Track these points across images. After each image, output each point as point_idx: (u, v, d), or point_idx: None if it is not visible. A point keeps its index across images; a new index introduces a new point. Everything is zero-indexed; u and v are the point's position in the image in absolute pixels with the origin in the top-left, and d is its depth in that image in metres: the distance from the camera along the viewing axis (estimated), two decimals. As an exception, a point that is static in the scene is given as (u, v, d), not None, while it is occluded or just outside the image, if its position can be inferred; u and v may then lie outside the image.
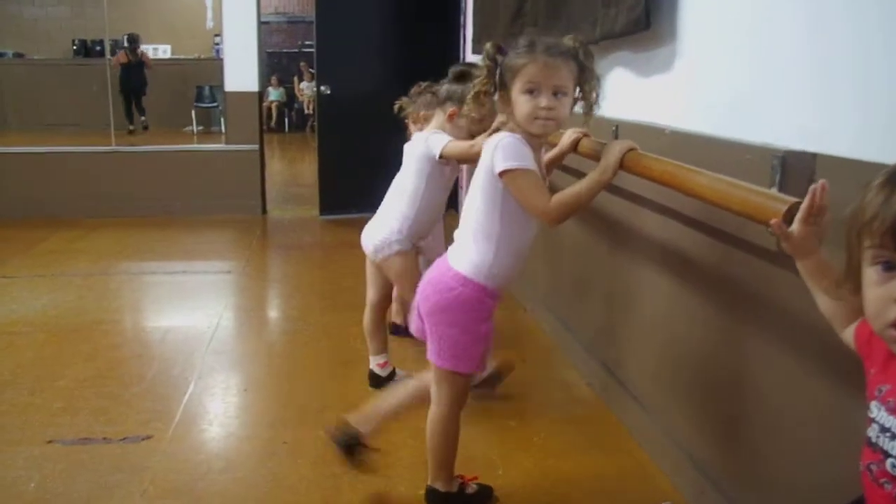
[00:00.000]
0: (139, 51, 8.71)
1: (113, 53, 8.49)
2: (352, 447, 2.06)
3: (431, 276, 1.88)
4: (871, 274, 0.88)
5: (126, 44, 8.84)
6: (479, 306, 1.81)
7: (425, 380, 2.01)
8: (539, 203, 1.75)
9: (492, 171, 1.74)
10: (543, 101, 1.70)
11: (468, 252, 1.82)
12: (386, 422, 2.09)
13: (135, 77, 8.91)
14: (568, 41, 1.75)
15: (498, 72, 1.77)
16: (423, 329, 1.91)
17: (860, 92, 1.42)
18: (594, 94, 1.78)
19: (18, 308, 3.63)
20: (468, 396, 1.93)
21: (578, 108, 1.83)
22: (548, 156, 2.13)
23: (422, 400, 2.00)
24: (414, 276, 2.49)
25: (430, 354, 1.87)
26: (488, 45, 1.80)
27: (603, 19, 2.47)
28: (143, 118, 9.04)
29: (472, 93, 1.84)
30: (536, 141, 1.77)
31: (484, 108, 1.89)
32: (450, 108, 2.47)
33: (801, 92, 1.60)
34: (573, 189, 1.76)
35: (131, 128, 9.05)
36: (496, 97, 1.80)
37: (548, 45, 1.71)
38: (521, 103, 1.72)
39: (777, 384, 1.66)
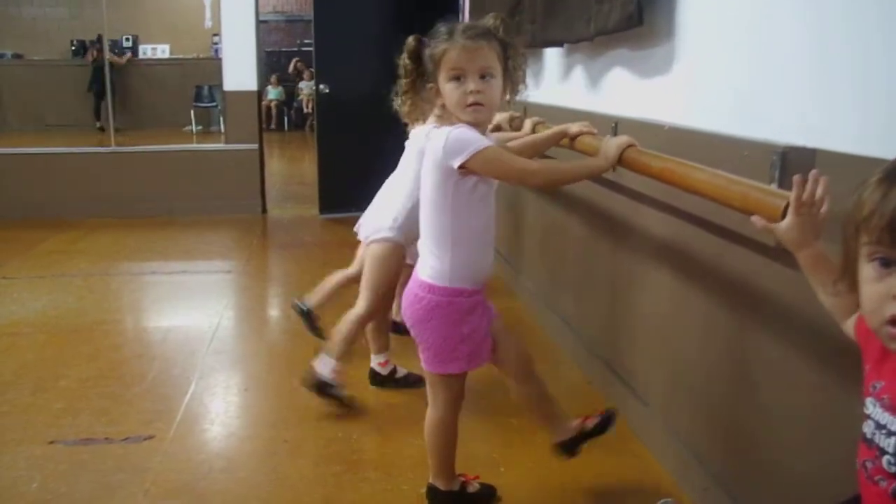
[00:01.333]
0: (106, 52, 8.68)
1: (112, 52, 8.50)
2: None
3: (406, 289, 1.87)
4: (868, 270, 0.87)
5: (97, 43, 8.86)
6: (450, 309, 1.78)
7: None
8: (520, 166, 1.74)
9: (445, 171, 1.70)
10: (471, 85, 1.66)
11: (427, 258, 1.80)
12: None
13: (103, 77, 8.94)
14: (488, 19, 1.72)
15: (424, 65, 1.74)
16: None
17: (860, 88, 1.42)
18: (519, 72, 1.74)
19: (19, 309, 3.63)
20: (463, 397, 1.93)
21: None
22: (547, 133, 2.12)
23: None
24: (388, 271, 2.51)
25: (422, 362, 1.88)
26: (409, 40, 1.77)
27: (596, 16, 2.47)
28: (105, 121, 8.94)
29: (400, 92, 1.82)
30: (479, 129, 1.72)
31: (415, 106, 1.85)
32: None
33: (801, 88, 1.59)
34: (566, 163, 1.77)
35: (98, 125, 9.03)
36: (428, 90, 1.75)
37: (467, 27, 1.68)
38: (449, 92, 1.69)
39: (779, 380, 1.66)
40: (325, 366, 2.49)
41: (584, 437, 2.02)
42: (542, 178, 1.80)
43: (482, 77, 1.67)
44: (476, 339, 1.83)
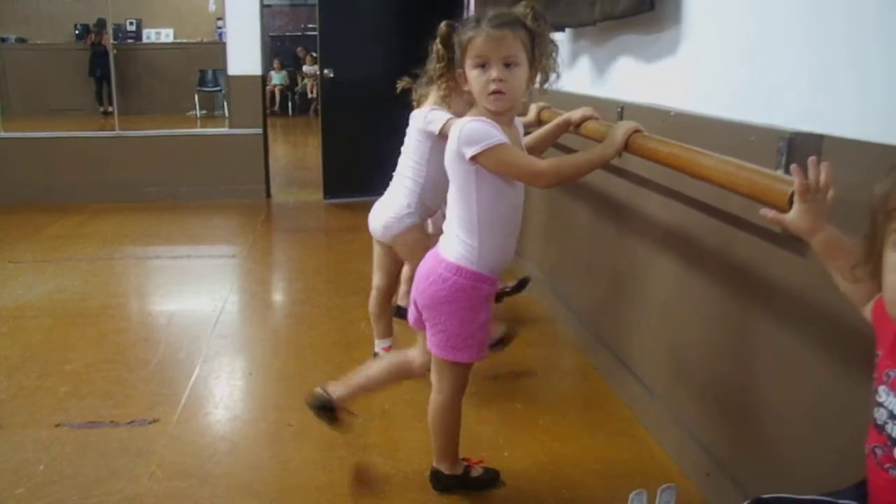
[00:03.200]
0: (105, 36, 8.70)
1: (115, 38, 8.49)
2: (324, 410, 2.06)
3: (425, 268, 1.86)
4: (894, 259, 0.86)
5: (96, 27, 8.95)
6: (474, 294, 1.79)
7: (406, 356, 2.07)
8: (526, 167, 1.74)
9: (460, 160, 1.71)
10: (493, 72, 1.66)
11: (455, 241, 1.80)
12: (361, 391, 2.10)
13: (101, 61, 9.00)
14: (519, 8, 1.72)
15: (454, 50, 1.75)
16: (418, 319, 1.90)
17: (867, 72, 1.41)
18: (549, 61, 1.74)
19: (25, 293, 3.64)
20: (468, 383, 1.93)
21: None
22: (552, 125, 2.12)
23: (398, 376, 2.10)
24: (423, 250, 2.49)
25: (430, 345, 1.86)
26: (442, 25, 1.78)
27: (602, 1, 2.45)
28: (109, 107, 9.08)
29: (435, 77, 1.84)
30: (503, 118, 1.73)
31: (451, 90, 1.86)
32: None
33: (808, 73, 1.58)
34: (573, 157, 1.77)
35: (101, 109, 9.09)
36: (458, 75, 1.76)
37: (493, 16, 1.68)
38: (474, 79, 1.70)
39: (782, 366, 1.66)
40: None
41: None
42: (548, 180, 1.77)
43: (506, 65, 1.67)
44: (486, 329, 1.84)
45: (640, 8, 2.24)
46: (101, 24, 8.85)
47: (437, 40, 1.79)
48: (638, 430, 2.34)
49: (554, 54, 1.75)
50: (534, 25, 1.70)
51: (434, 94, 2.49)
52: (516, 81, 1.69)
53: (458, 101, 2.39)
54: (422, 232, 2.56)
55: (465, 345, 1.82)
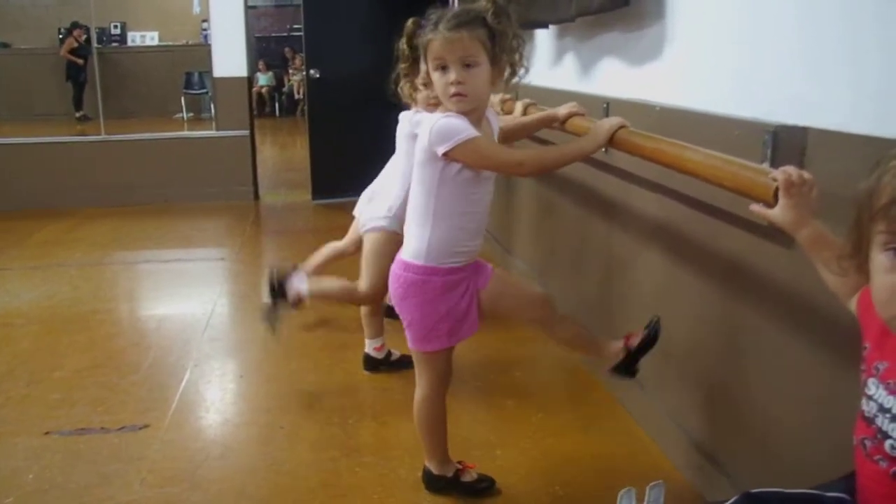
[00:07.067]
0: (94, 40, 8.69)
1: (100, 42, 8.43)
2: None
3: (391, 269, 1.90)
4: (881, 260, 0.84)
5: (70, 33, 8.98)
6: (426, 287, 1.80)
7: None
8: (505, 157, 1.77)
9: (432, 158, 1.71)
10: (452, 75, 1.66)
11: (409, 237, 1.83)
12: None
13: (78, 66, 9.02)
14: (480, 4, 1.70)
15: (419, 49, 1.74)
16: None
17: (852, 65, 1.41)
18: (514, 56, 1.72)
19: (13, 300, 3.62)
20: (451, 376, 1.93)
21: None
22: (535, 116, 2.12)
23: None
24: (387, 259, 2.46)
25: (407, 340, 1.90)
26: (408, 23, 1.77)
27: None
28: (80, 112, 9.08)
29: (401, 75, 1.83)
30: (471, 116, 1.72)
31: (415, 88, 1.86)
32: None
33: (793, 65, 1.59)
34: (554, 148, 1.78)
35: (77, 115, 9.06)
36: (422, 74, 1.76)
37: (451, 16, 1.67)
38: (436, 81, 1.70)
39: (772, 358, 1.67)
40: (300, 281, 2.58)
41: (634, 355, 1.99)
42: (527, 169, 1.81)
43: (466, 66, 1.66)
44: (455, 317, 1.83)
45: (616, 3, 2.24)
46: (76, 27, 8.85)
47: (403, 39, 1.78)
48: (630, 425, 2.34)
49: (520, 49, 1.73)
50: (493, 22, 1.67)
51: (421, 97, 2.47)
52: (477, 82, 1.68)
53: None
54: (387, 242, 2.47)
55: (433, 335, 1.83)
